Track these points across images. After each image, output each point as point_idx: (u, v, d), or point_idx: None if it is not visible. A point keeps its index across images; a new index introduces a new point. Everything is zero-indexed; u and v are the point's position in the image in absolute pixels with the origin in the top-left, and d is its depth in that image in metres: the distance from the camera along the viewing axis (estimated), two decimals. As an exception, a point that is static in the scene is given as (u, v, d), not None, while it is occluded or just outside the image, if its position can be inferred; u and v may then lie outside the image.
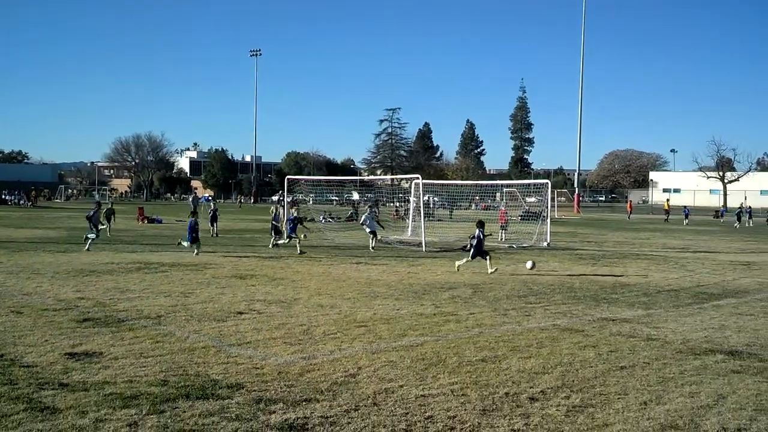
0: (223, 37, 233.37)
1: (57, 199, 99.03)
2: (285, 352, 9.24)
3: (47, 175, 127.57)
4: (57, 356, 8.71)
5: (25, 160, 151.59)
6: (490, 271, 18.37)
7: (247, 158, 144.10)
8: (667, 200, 69.11)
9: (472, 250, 18.85)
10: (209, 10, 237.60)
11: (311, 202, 40.20)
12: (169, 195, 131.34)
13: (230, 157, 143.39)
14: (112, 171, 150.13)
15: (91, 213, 25.57)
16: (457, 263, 19.21)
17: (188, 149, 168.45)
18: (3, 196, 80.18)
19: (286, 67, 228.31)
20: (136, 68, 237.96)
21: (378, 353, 9.28)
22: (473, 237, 18.95)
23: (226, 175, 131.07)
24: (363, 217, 27.94)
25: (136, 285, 15.24)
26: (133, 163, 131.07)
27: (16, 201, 77.63)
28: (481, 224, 19.13)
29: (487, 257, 18.71)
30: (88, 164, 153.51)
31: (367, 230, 26.54)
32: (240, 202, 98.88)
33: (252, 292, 14.63)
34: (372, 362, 8.77)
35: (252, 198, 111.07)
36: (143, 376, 7.89)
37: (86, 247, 22.91)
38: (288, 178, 38.37)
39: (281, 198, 48.85)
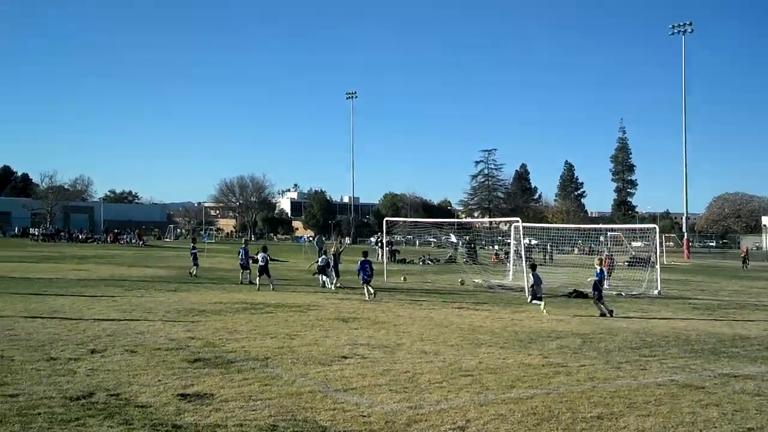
0: (320, 81, 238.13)
1: (167, 238, 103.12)
2: (391, 400, 9.11)
3: (157, 214, 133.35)
4: (170, 397, 8.88)
5: (136, 200, 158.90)
6: None
7: (345, 199, 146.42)
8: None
9: None
10: (309, 58, 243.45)
11: (404, 243, 40.18)
12: (272, 235, 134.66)
13: (329, 198, 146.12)
14: (218, 211, 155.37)
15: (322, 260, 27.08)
16: None
17: (289, 190, 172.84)
18: (119, 236, 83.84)
19: (381, 108, 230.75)
20: (239, 114, 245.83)
21: (486, 405, 9.01)
22: None
23: (325, 216, 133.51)
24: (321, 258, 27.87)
25: (244, 326, 15.51)
26: (238, 203, 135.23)
27: (128, 240, 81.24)
28: None
29: None
30: (195, 204, 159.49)
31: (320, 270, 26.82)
32: (340, 242, 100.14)
33: (355, 335, 14.61)
34: (481, 415, 8.51)
35: (351, 239, 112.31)
36: (253, 420, 7.92)
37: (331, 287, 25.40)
38: (387, 220, 38.69)
39: (379, 239, 49.19)
